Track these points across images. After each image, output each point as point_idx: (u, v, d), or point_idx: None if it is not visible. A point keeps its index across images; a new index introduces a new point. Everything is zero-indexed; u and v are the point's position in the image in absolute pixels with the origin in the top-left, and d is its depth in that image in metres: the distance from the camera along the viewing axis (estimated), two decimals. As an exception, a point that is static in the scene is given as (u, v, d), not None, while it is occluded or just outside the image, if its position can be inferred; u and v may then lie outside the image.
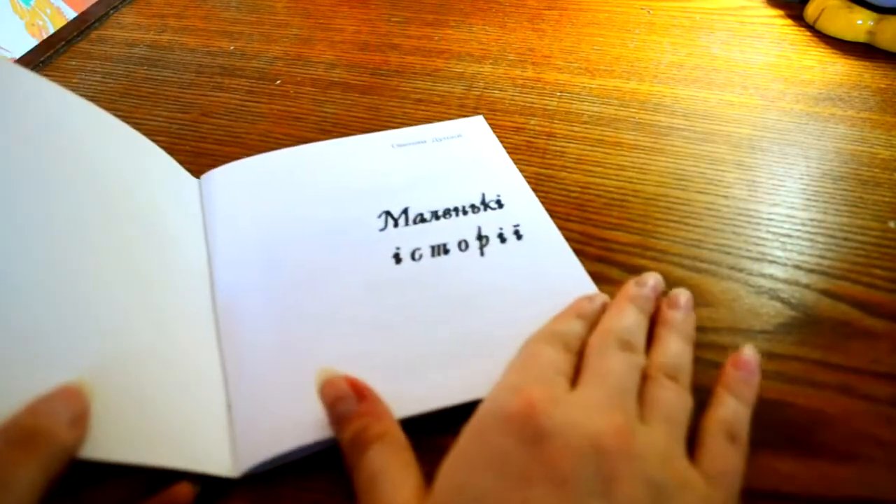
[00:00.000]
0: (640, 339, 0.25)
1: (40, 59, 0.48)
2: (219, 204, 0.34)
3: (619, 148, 0.38)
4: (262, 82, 0.45)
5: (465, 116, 0.40)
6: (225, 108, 0.43)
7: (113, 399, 0.22)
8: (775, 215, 0.33)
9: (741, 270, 0.31)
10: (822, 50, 0.46)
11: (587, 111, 0.41)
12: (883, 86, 0.42)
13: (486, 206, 0.33)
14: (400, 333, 0.27)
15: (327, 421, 0.23)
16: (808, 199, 0.34)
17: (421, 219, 0.32)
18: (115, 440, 0.21)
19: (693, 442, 0.22)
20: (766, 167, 0.36)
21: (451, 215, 0.33)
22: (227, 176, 0.36)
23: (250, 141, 0.40)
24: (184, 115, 0.42)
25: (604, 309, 0.27)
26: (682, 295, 0.27)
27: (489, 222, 0.32)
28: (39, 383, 0.20)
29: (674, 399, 0.23)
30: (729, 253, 0.31)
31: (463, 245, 0.31)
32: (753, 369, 0.25)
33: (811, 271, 0.31)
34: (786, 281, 0.30)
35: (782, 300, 0.29)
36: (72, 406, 0.19)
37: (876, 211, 0.33)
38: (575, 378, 0.23)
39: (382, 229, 0.32)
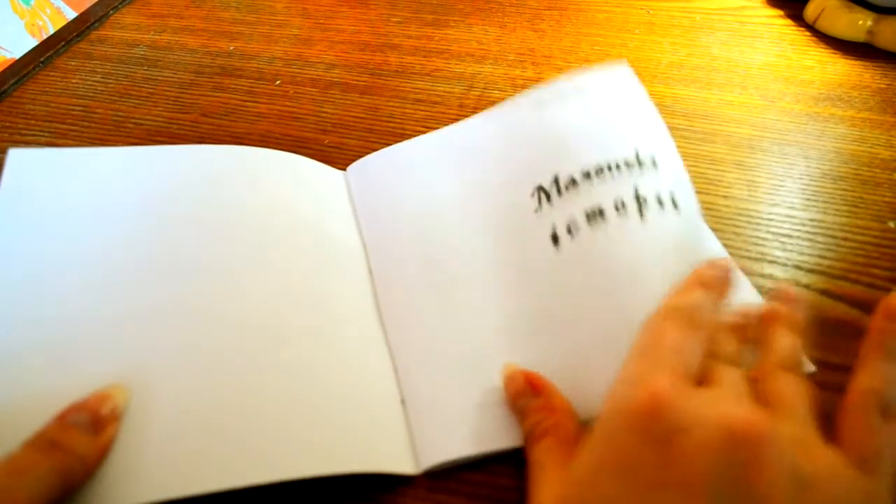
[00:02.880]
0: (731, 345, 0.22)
1: (40, 59, 0.48)
2: (367, 194, 0.34)
3: (618, 148, 0.38)
4: (262, 82, 0.45)
5: (465, 116, 0.40)
6: (224, 109, 0.43)
7: (284, 414, 0.23)
8: (775, 215, 0.33)
9: (741, 270, 0.31)
10: (822, 50, 0.46)
11: (587, 111, 0.41)
12: (883, 86, 0.42)
13: (640, 163, 0.29)
14: (570, 326, 0.26)
15: (510, 428, 0.24)
16: (808, 199, 0.34)
17: (572, 182, 0.29)
18: (293, 457, 0.22)
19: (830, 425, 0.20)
20: (765, 167, 0.36)
21: (602, 173, 0.29)
22: (373, 165, 0.36)
23: (250, 141, 0.40)
24: (184, 116, 0.42)
25: (728, 276, 0.24)
26: (790, 289, 0.25)
27: (646, 183, 0.28)
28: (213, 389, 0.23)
29: (795, 389, 0.21)
30: (729, 253, 0.31)
31: (619, 206, 0.27)
32: None
33: (811, 271, 0.31)
34: (786, 281, 0.30)
35: (782, 300, 0.29)
36: (94, 413, 0.21)
37: (876, 211, 0.33)
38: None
39: (537, 210, 0.30)
